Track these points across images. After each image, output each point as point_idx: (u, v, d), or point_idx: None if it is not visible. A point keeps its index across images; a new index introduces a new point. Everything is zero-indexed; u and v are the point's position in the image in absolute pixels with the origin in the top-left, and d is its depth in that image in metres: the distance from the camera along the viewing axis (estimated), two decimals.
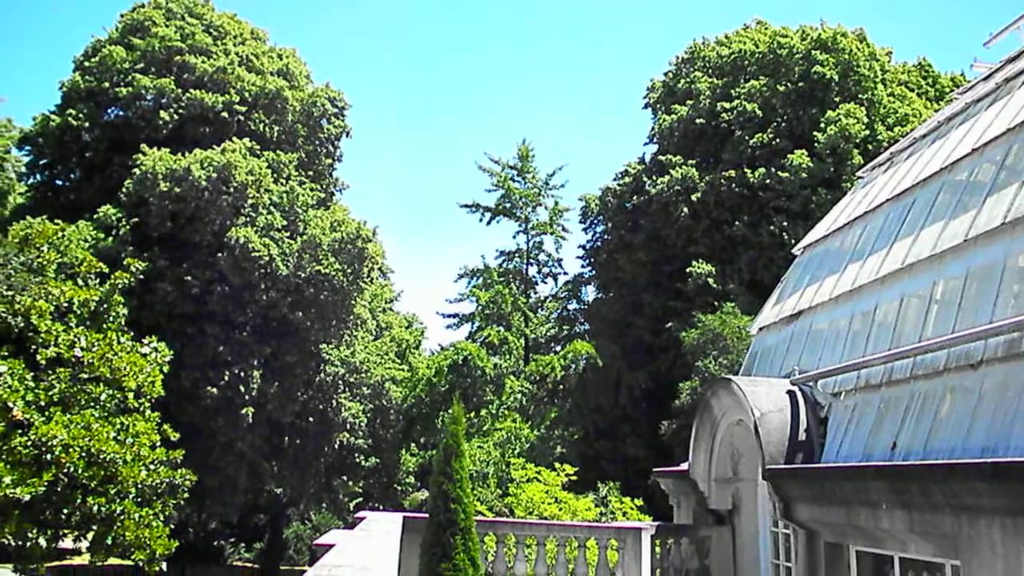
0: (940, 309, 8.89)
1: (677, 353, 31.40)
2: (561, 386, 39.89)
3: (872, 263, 10.73)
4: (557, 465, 20.88)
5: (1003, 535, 6.43)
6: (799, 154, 31.85)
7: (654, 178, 36.40)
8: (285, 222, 32.49)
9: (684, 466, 13.67)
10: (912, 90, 37.02)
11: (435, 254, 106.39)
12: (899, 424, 8.72)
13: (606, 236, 41.00)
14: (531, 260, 46.25)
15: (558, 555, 12.20)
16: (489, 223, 45.69)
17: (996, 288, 7.86)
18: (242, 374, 30.70)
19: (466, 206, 45.73)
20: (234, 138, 32.96)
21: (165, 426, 22.85)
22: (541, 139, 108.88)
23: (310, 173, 37.46)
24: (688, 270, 32.85)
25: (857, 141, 31.90)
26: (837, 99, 33.94)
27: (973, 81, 13.45)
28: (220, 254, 29.91)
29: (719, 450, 12.46)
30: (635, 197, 37.70)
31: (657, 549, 12.83)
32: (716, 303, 30.76)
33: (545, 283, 47.19)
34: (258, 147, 33.81)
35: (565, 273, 46.22)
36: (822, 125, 32.58)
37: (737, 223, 32.95)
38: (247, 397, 30.58)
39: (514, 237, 46.09)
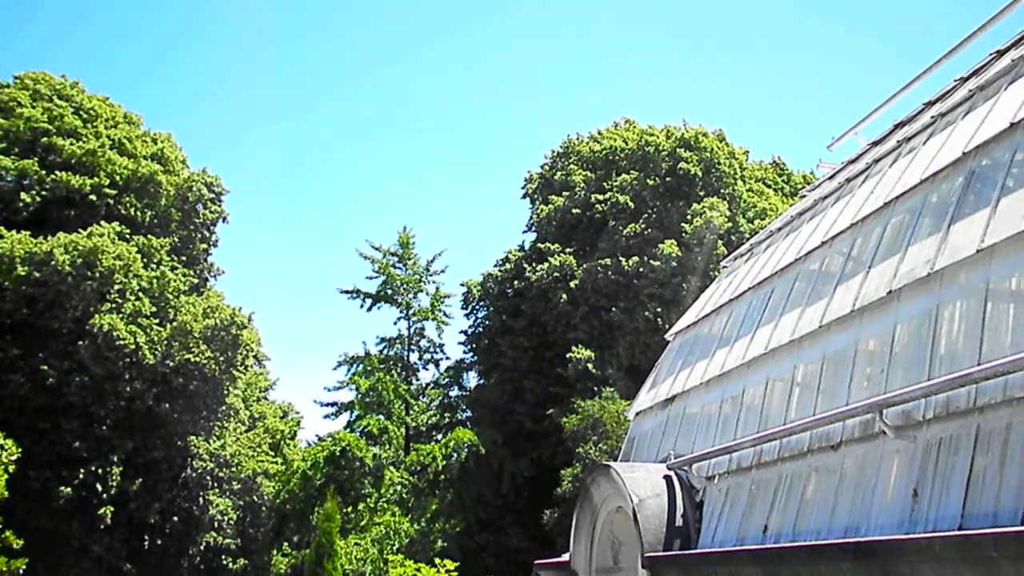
0: (802, 392, 9.35)
1: (558, 439, 31.56)
2: (443, 476, 39.18)
3: (739, 348, 11.23)
4: (437, 561, 20.33)
5: None
6: (669, 243, 33.41)
7: (533, 265, 37.22)
8: (154, 308, 31.13)
9: (565, 556, 13.54)
10: (769, 186, 39.81)
11: (314, 341, 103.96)
12: (769, 506, 8.99)
13: (487, 321, 41.32)
14: (412, 346, 45.92)
15: None
16: (370, 309, 45.27)
17: (850, 371, 8.36)
18: (100, 471, 28.62)
19: (347, 292, 45.21)
20: (102, 222, 31.63)
21: (7, 533, 20.94)
22: (422, 226, 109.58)
23: (183, 258, 36.22)
24: (568, 355, 33.39)
25: (721, 232, 33.80)
26: (702, 193, 36.04)
27: (820, 180, 14.61)
28: (81, 342, 28.24)
29: (600, 538, 12.44)
30: (516, 283, 38.35)
31: None
32: (596, 388, 31.28)
33: (427, 369, 46.85)
34: (128, 231, 32.53)
35: (447, 358, 46.08)
36: (689, 217, 34.40)
37: (614, 309, 33.94)
38: (105, 496, 28.44)
39: (395, 323, 45.80)
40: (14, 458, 21.96)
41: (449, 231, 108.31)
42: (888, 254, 8.50)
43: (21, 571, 19.94)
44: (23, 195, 31.40)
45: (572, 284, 35.29)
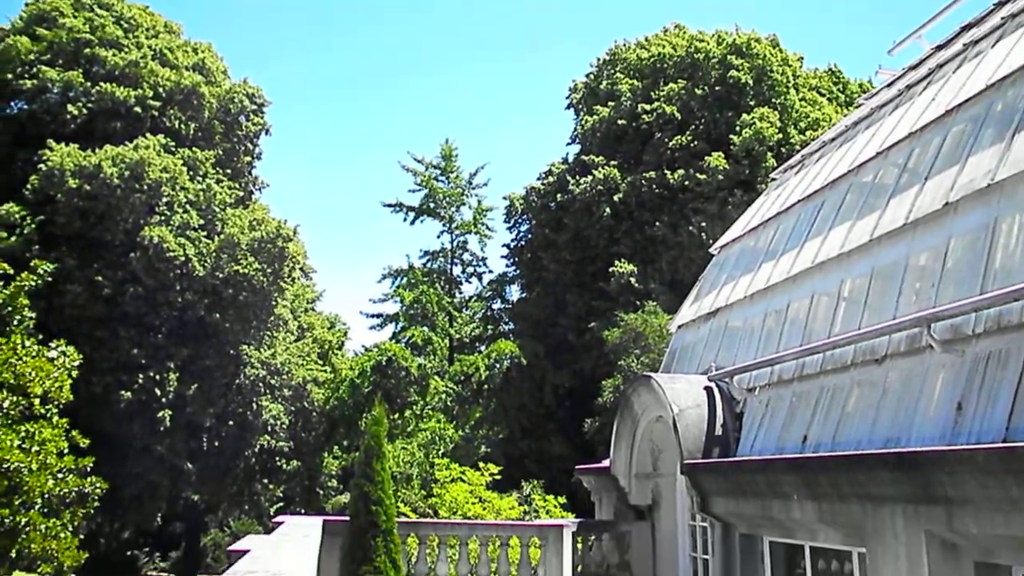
0: (848, 306, 9.23)
1: (600, 352, 31.80)
2: (486, 386, 39.96)
3: (785, 262, 11.08)
4: (481, 465, 20.91)
5: (905, 522, 6.73)
6: (716, 156, 32.66)
7: (577, 178, 36.79)
8: (202, 221, 31.61)
9: (606, 463, 13.85)
10: (823, 95, 38.38)
11: (358, 254, 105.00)
12: (810, 417, 9.02)
13: (530, 235, 41.25)
14: (455, 260, 46.19)
15: (481, 554, 12.21)
16: (413, 223, 45.44)
17: (899, 286, 8.22)
18: (157, 377, 29.70)
19: (390, 205, 45.38)
20: (147, 134, 31.88)
21: (74, 433, 22.00)
22: (465, 139, 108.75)
23: (228, 171, 36.51)
24: (611, 270, 33.30)
25: (771, 144, 32.89)
26: (752, 103, 34.93)
27: (878, 87, 14.03)
28: (133, 254, 28.90)
29: (639, 446, 12.66)
30: (559, 196, 38.03)
31: (579, 545, 12.97)
32: (638, 302, 31.26)
33: (470, 283, 47.21)
34: (173, 144, 32.78)
35: (490, 272, 46.33)
36: (738, 128, 33.48)
37: (658, 223, 33.57)
38: (163, 400, 29.60)
39: (438, 236, 45.96)
40: (76, 364, 22.92)
41: (492, 144, 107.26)
42: (946, 165, 8.22)
43: (88, 468, 21.03)
44: (70, 107, 31.70)
45: (616, 198, 34.88)
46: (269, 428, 39.79)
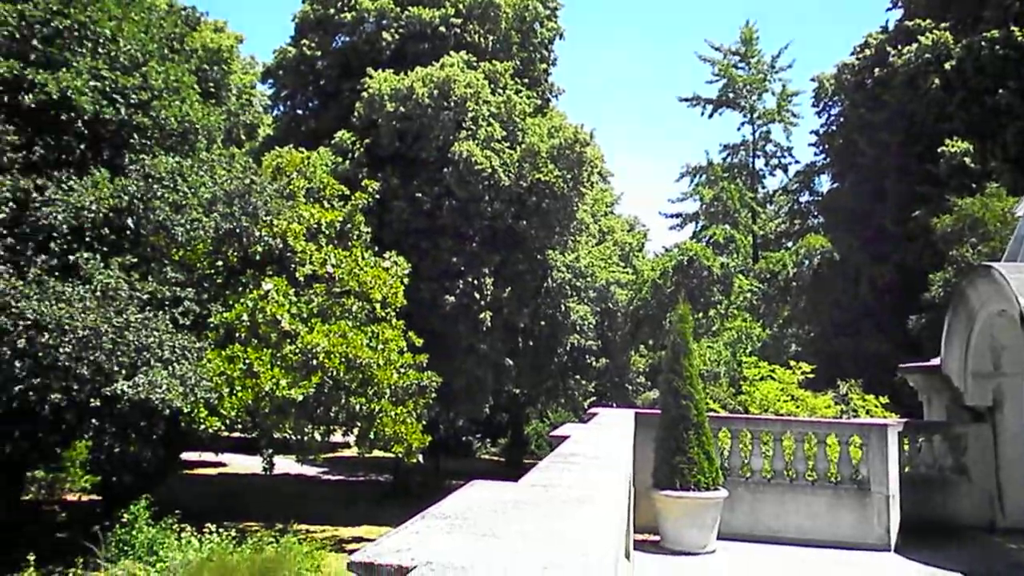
0: None
1: (926, 242, 28.74)
2: (794, 283, 38.10)
3: None
4: (792, 363, 20.13)
5: None
6: None
7: (899, 48, 32.79)
8: (504, 133, 33.03)
9: (935, 361, 12.64)
10: None
11: (655, 154, 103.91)
12: None
13: (842, 118, 37.90)
14: (758, 152, 43.95)
15: (796, 451, 11.84)
16: (712, 116, 43.85)
17: None
18: (475, 282, 32.14)
19: (686, 100, 44.10)
20: (451, 52, 33.69)
21: (410, 333, 24.74)
22: (766, 19, 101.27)
23: (525, 80, 37.56)
24: (940, 150, 29.60)
25: None
26: None
27: None
28: (446, 169, 31.10)
29: (976, 343, 11.35)
30: (876, 71, 34.28)
31: (905, 447, 12.08)
32: (973, 184, 27.58)
33: (774, 175, 44.88)
34: (474, 59, 34.33)
35: (796, 162, 43.58)
36: None
37: (1001, 91, 28.99)
38: (482, 303, 32.06)
39: (739, 129, 44.11)
40: (406, 272, 25.54)
41: (796, 21, 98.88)
42: None
43: (424, 364, 23.60)
44: (384, 34, 34.34)
45: (947, 65, 30.58)
46: (578, 328, 41.60)
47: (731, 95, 42.66)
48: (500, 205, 31.92)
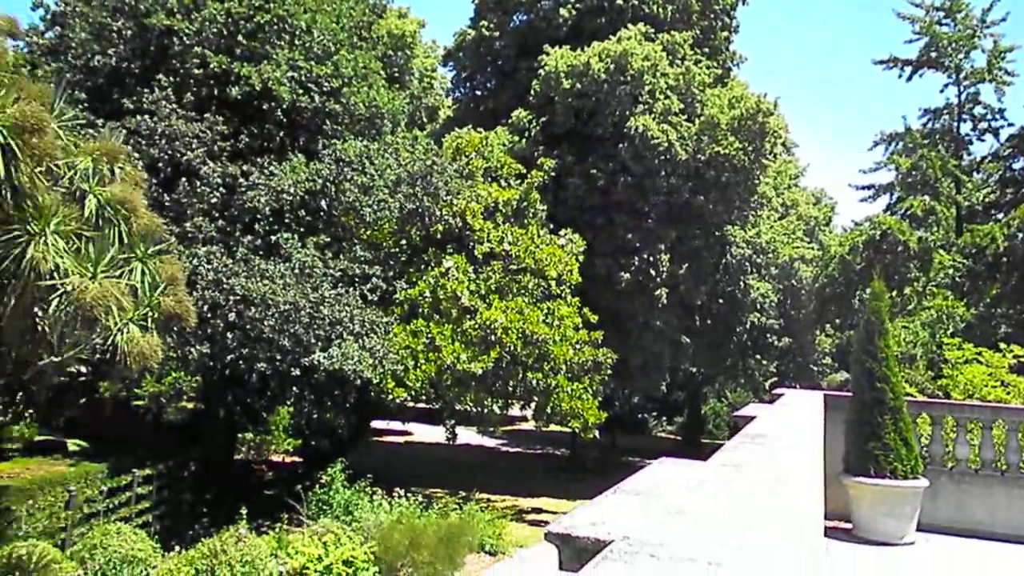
0: None
1: None
2: (1004, 259, 34.67)
3: None
4: (1003, 345, 18.37)
5: None
6: None
7: None
8: (682, 105, 32.20)
9: None
10: None
11: (844, 123, 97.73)
12: None
13: None
14: (963, 116, 40.17)
15: (1009, 440, 10.82)
16: (910, 78, 40.41)
17: None
18: (651, 259, 31.73)
19: (882, 62, 40.94)
20: (628, 25, 33.18)
21: (585, 310, 24.85)
22: None
23: (705, 50, 36.35)
24: None
25: None
26: None
27: None
28: (621, 145, 30.78)
29: None
30: None
31: None
32: None
33: (982, 140, 40.76)
34: (652, 31, 33.61)
35: (1010, 125, 39.37)
36: None
37: None
38: (658, 280, 31.63)
39: (941, 91, 40.40)
40: (581, 249, 25.64)
41: None
42: None
43: (599, 340, 23.63)
44: (561, 11, 34.33)
45: None
46: (758, 306, 40.15)
47: (933, 54, 39.17)
48: (677, 180, 31.25)
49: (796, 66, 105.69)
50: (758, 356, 44.00)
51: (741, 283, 38.77)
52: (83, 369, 15.98)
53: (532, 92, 32.23)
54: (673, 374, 38.02)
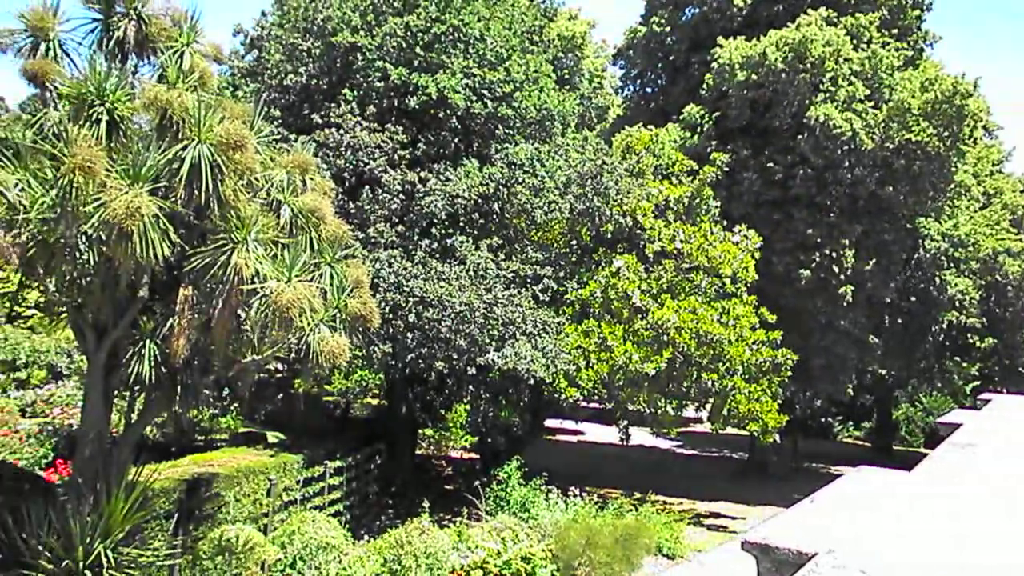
0: None
1: None
2: None
3: None
4: None
5: None
6: None
7: None
8: (867, 91, 30.24)
9: None
10: None
11: None
12: None
13: None
14: None
15: None
16: None
17: None
18: (834, 255, 30.06)
19: None
20: (808, 10, 31.59)
21: (762, 309, 23.91)
22: None
23: (894, 31, 33.92)
24: None
25: None
26: None
27: None
28: (800, 136, 29.37)
29: None
30: None
31: None
32: None
33: None
34: (834, 14, 31.80)
35: None
36: None
37: None
38: (842, 277, 29.90)
39: None
40: (757, 246, 24.69)
41: None
42: None
43: (777, 341, 22.66)
44: (735, 0, 33.19)
45: None
46: (956, 303, 37.05)
47: None
48: (861, 170, 29.41)
49: (1002, 41, 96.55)
50: (956, 358, 40.59)
51: (936, 279, 35.91)
52: (280, 367, 17.23)
53: (704, 86, 31.41)
54: (860, 376, 35.83)
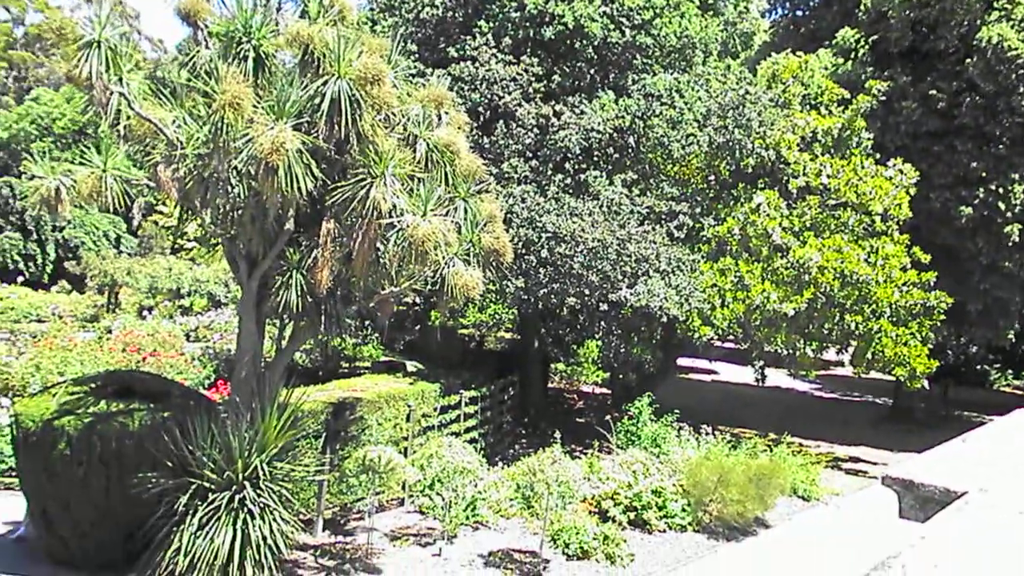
0: None
1: None
2: None
3: None
4: None
5: None
6: None
7: None
8: None
9: None
10: None
11: None
12: None
13: None
14: None
15: None
16: None
17: None
18: (1000, 190, 27.68)
19: None
20: None
21: (915, 248, 22.47)
22: None
23: None
24: None
25: None
26: None
27: None
28: (968, 60, 26.95)
29: None
30: None
31: None
32: None
33: None
34: None
35: None
36: None
37: None
38: (1009, 215, 27.56)
39: None
40: (913, 181, 23.08)
41: None
42: None
43: (931, 283, 21.31)
44: None
45: None
46: None
47: None
48: None
49: None
50: None
51: None
52: (417, 299, 17.77)
53: (862, 7, 29.27)
54: (1023, 322, 33.26)
